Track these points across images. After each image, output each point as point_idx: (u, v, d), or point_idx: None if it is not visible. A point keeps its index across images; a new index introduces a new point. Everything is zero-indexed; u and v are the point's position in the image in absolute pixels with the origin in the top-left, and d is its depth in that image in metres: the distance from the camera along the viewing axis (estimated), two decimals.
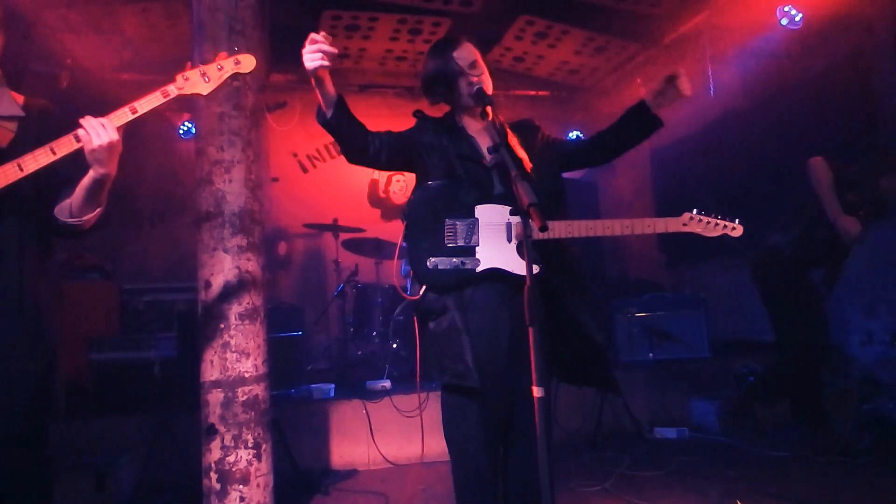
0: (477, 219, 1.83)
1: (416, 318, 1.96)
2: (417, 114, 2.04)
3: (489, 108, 1.82)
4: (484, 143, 1.94)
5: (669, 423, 4.05)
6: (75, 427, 3.33)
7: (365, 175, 6.31)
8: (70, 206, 1.69)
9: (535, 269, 1.75)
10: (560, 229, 1.82)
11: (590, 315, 1.90)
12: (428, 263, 1.79)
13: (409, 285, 1.95)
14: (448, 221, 1.81)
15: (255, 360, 2.56)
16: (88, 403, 3.68)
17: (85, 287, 4.39)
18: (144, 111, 1.65)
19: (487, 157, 1.90)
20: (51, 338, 1.71)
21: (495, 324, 1.81)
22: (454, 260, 1.79)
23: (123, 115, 1.64)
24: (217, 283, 2.54)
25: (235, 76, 1.76)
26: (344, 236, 4.92)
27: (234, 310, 2.53)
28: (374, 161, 1.93)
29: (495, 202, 1.85)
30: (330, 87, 1.78)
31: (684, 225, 1.89)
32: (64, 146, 1.60)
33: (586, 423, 3.85)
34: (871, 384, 3.90)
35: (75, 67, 5.19)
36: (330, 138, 1.98)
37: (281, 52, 5.66)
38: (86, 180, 1.65)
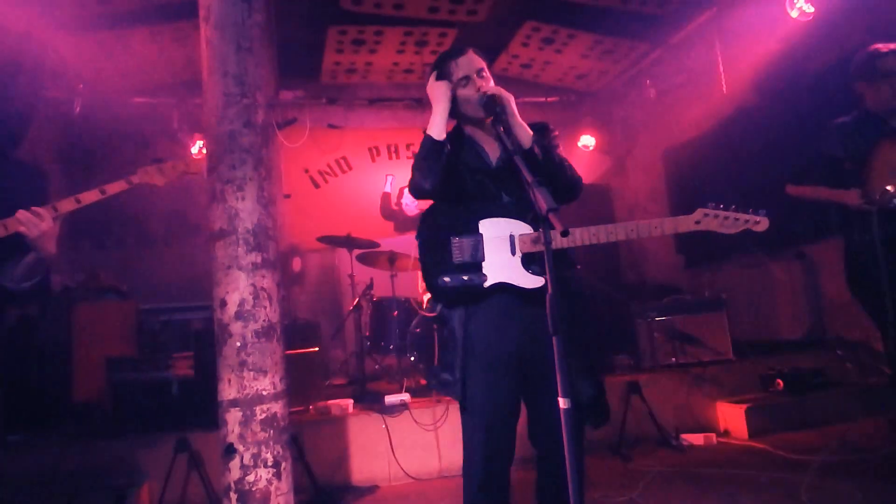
0: (481, 234, 1.82)
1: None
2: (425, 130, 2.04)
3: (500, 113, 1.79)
4: (491, 150, 1.94)
5: (696, 429, 3.96)
6: (95, 448, 3.33)
7: (377, 188, 6.31)
8: (12, 275, 2.02)
9: (540, 281, 1.76)
10: (579, 236, 1.78)
11: (586, 343, 1.84)
12: (439, 281, 1.82)
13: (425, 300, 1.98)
14: (454, 239, 1.83)
15: (273, 377, 2.54)
16: (107, 424, 3.68)
17: (102, 308, 4.42)
18: (110, 194, 2.06)
19: (493, 162, 1.90)
20: None
21: (499, 336, 1.81)
22: (462, 276, 1.80)
23: (69, 203, 2.00)
24: (232, 301, 2.52)
25: (184, 174, 2.24)
26: (358, 250, 4.91)
27: (251, 327, 2.51)
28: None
29: (500, 214, 1.84)
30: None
31: (697, 223, 1.75)
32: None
33: (610, 431, 3.76)
34: None
35: (87, 93, 5.27)
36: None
37: (289, 68, 5.70)
38: (28, 258, 1.99)
